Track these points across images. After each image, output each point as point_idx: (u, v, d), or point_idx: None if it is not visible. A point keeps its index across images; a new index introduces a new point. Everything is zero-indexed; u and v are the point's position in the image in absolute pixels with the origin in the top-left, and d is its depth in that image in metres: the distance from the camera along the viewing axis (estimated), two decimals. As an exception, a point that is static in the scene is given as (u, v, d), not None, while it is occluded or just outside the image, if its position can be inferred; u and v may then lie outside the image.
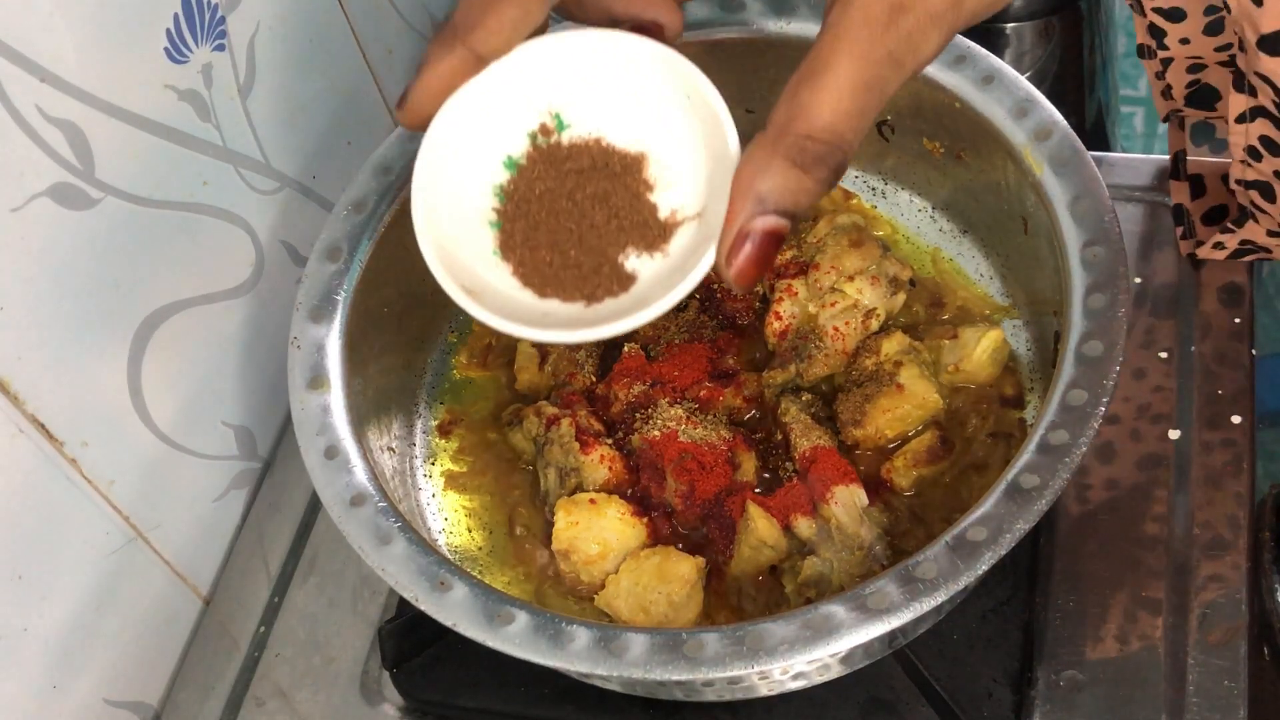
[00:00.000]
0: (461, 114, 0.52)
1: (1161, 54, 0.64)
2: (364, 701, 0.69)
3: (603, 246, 0.52)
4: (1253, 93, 0.56)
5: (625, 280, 0.52)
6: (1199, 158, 0.71)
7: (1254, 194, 0.62)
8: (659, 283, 0.51)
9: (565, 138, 0.53)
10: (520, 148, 0.53)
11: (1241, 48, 0.54)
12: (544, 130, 0.53)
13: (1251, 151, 0.59)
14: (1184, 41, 0.62)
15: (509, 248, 0.53)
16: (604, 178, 0.53)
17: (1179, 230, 0.73)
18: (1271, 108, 0.55)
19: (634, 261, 0.52)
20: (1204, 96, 0.65)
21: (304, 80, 0.77)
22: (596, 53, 0.52)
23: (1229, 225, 0.69)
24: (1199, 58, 0.63)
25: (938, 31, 0.45)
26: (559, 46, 0.52)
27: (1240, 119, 0.58)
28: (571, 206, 0.52)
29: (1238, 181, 0.62)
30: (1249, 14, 0.52)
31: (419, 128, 0.52)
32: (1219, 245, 0.70)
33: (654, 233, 0.52)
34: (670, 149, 0.53)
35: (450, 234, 0.52)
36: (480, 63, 0.50)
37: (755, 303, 0.71)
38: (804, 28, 0.68)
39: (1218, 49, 0.62)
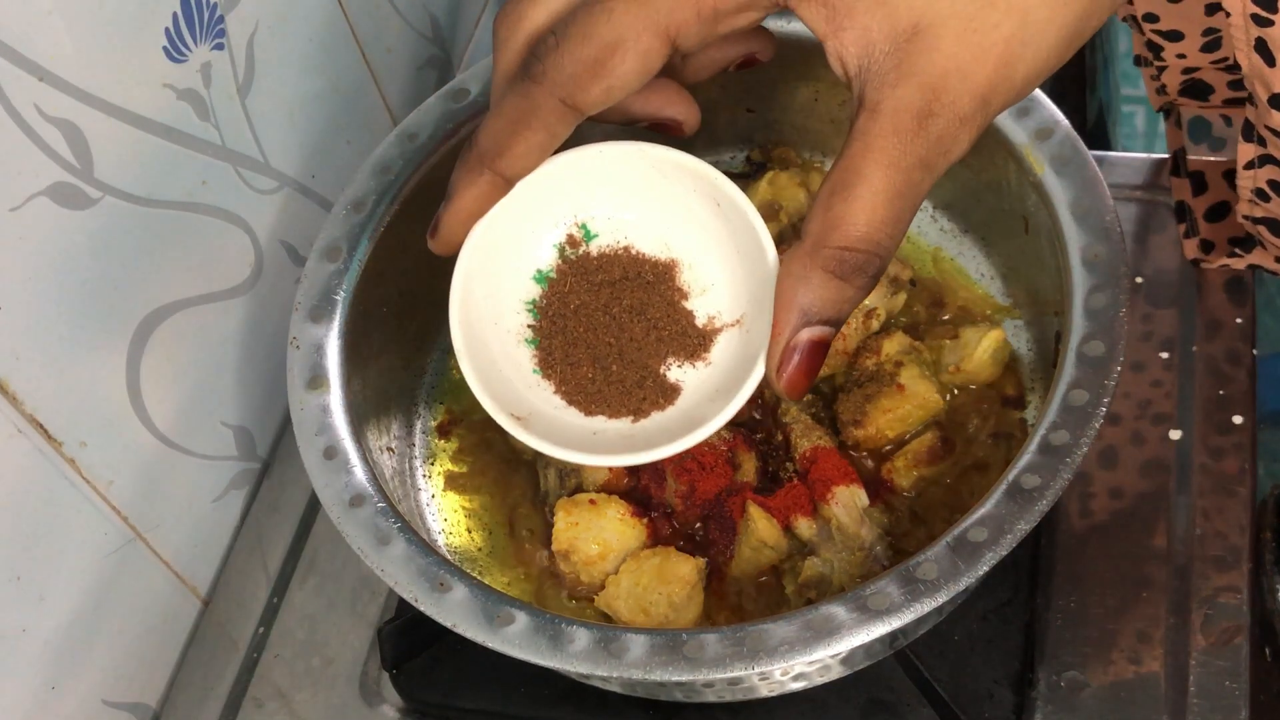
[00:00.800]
0: (489, 236, 0.52)
1: (1158, 64, 0.64)
2: (363, 703, 0.69)
3: (644, 359, 0.52)
4: (1262, 143, 0.57)
5: (670, 392, 0.52)
6: (1199, 155, 0.71)
7: (1262, 229, 0.62)
8: (705, 393, 0.51)
9: (594, 248, 0.53)
10: (550, 261, 0.53)
11: (1252, 102, 0.55)
12: (571, 242, 0.53)
13: (1260, 193, 0.60)
14: (1180, 56, 0.63)
15: (549, 365, 0.53)
16: (638, 288, 0.53)
17: (1182, 228, 0.73)
18: None
19: (676, 372, 0.52)
20: (1198, 89, 0.66)
21: (303, 80, 0.77)
22: (619, 163, 0.52)
23: (1237, 251, 0.69)
24: (1195, 67, 0.64)
25: (967, 131, 0.45)
26: (581, 159, 0.52)
27: (1249, 165, 0.59)
28: (609, 320, 0.53)
29: (1245, 218, 0.63)
30: (1261, 73, 0.52)
31: (452, 254, 0.52)
32: (1225, 267, 0.71)
33: (694, 341, 0.52)
34: (700, 255, 0.53)
35: (491, 359, 0.52)
36: (507, 186, 0.50)
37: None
38: (805, 27, 0.67)
39: (1214, 61, 0.63)
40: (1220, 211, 0.71)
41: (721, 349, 0.52)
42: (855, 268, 0.45)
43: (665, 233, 0.53)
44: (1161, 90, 0.67)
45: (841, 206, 0.45)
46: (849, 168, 0.45)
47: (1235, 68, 0.64)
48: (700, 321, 0.53)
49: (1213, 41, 0.61)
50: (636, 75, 0.47)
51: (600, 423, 0.52)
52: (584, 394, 0.52)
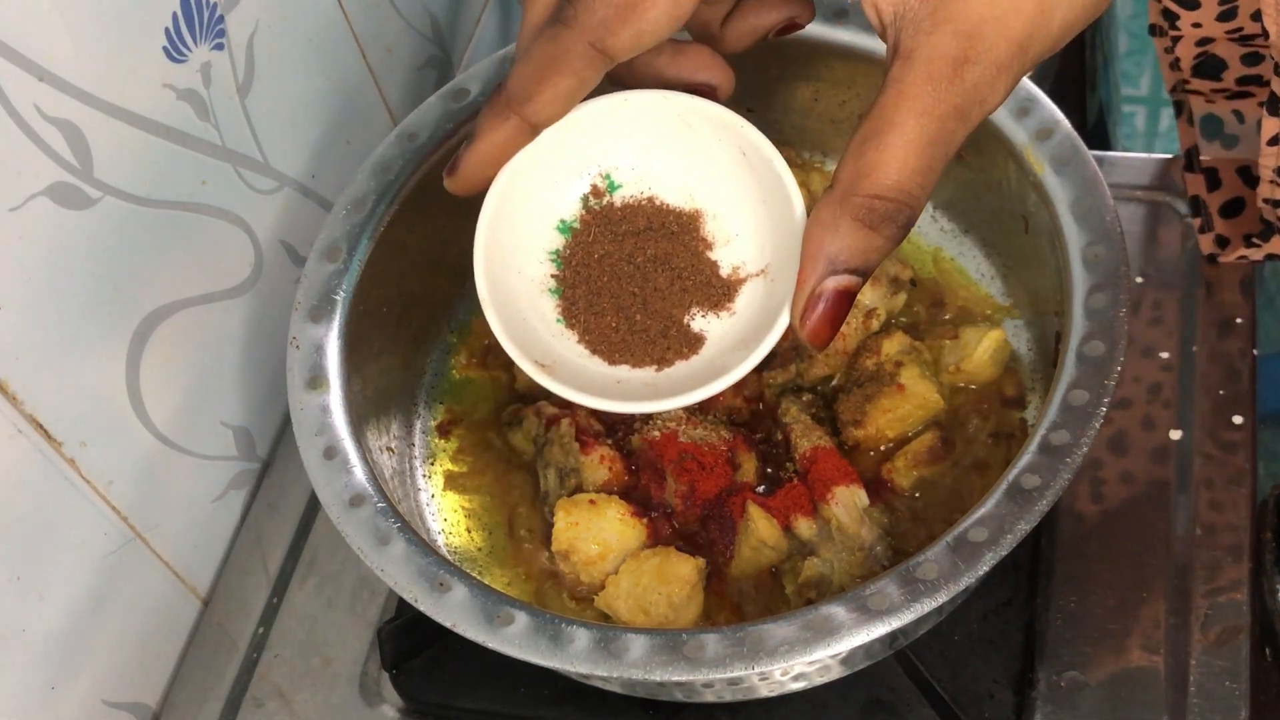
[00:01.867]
0: (513, 186, 0.51)
1: (1172, 33, 0.64)
2: (363, 703, 0.69)
3: (668, 309, 0.52)
4: None
5: (694, 342, 0.52)
6: (1211, 153, 0.71)
7: None
8: (729, 343, 0.51)
9: (617, 199, 0.53)
10: (573, 211, 0.53)
11: (1278, 72, 0.55)
12: (595, 192, 0.53)
13: None
14: (1196, 25, 0.63)
15: (572, 315, 0.53)
16: (662, 238, 0.53)
17: (1197, 222, 0.72)
18: None
19: (700, 322, 0.52)
20: (1211, 67, 0.66)
21: (303, 80, 0.77)
22: (644, 112, 0.52)
23: (1255, 240, 0.69)
24: (1209, 36, 0.63)
25: (1004, 80, 0.44)
26: (606, 108, 0.51)
27: (1272, 141, 0.59)
28: (633, 270, 0.52)
29: (1265, 200, 0.62)
30: None
31: (467, 195, 0.51)
32: (1243, 258, 0.71)
33: (718, 292, 0.52)
34: (725, 205, 0.53)
35: (515, 307, 0.52)
36: (534, 132, 0.50)
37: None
38: (807, 27, 0.68)
39: (1229, 31, 0.62)
40: (1235, 207, 0.71)
41: (746, 299, 0.52)
42: (885, 217, 0.44)
43: (690, 182, 0.53)
44: (1175, 65, 0.67)
45: (873, 154, 0.44)
46: (881, 115, 0.44)
47: (1249, 38, 0.63)
48: (725, 272, 0.53)
49: (1229, 10, 0.61)
50: (668, 20, 0.46)
51: (624, 371, 0.52)
52: (608, 343, 0.52)
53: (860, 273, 0.46)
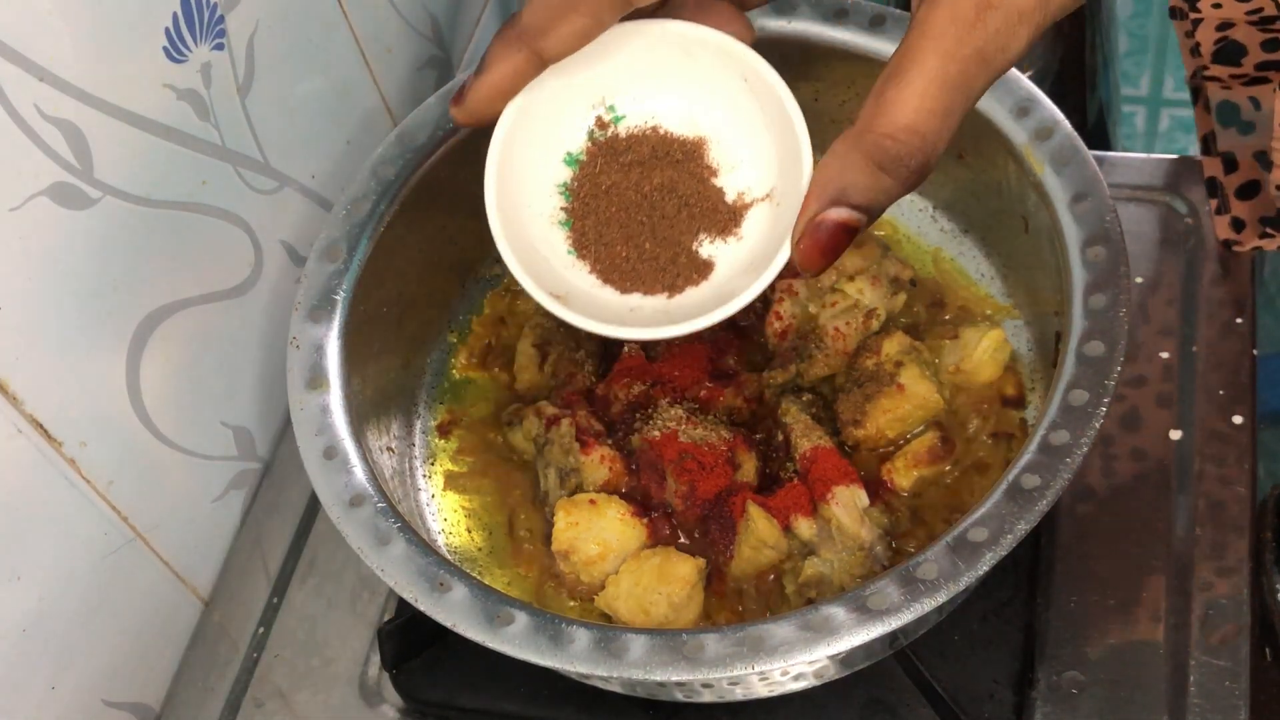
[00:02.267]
0: (520, 118, 0.52)
1: (1193, 15, 0.64)
2: (363, 703, 0.69)
3: (676, 236, 0.53)
4: None
5: (704, 268, 0.53)
6: (1228, 139, 0.71)
7: None
8: (738, 268, 0.52)
9: (622, 129, 0.54)
10: (578, 143, 0.54)
11: None
12: (599, 123, 0.54)
13: None
14: (1216, 6, 0.63)
15: (583, 245, 0.53)
16: (667, 166, 0.53)
17: (1213, 204, 0.72)
18: None
19: (709, 248, 0.53)
20: (1230, 53, 0.66)
21: (303, 80, 0.77)
22: (645, 42, 0.52)
23: (1269, 230, 0.69)
24: (1230, 20, 0.64)
25: (1026, 29, 0.45)
26: (608, 39, 0.51)
27: None
28: (640, 199, 0.53)
29: (1279, 187, 0.62)
30: None
31: (471, 125, 0.52)
32: (1258, 249, 0.71)
33: (725, 217, 0.53)
34: (729, 132, 0.53)
35: (527, 241, 0.53)
36: (541, 67, 0.50)
37: (755, 303, 0.70)
38: (804, 27, 0.68)
39: (1249, 12, 0.63)
40: (1251, 189, 0.71)
41: (752, 223, 0.53)
42: (895, 158, 0.45)
43: (692, 110, 0.54)
44: (1195, 51, 0.67)
45: (892, 92, 0.45)
46: (904, 55, 0.45)
47: (1269, 21, 0.63)
48: (730, 198, 0.53)
49: None
50: None
51: (636, 299, 0.53)
52: (619, 272, 0.53)
53: (865, 210, 0.46)
